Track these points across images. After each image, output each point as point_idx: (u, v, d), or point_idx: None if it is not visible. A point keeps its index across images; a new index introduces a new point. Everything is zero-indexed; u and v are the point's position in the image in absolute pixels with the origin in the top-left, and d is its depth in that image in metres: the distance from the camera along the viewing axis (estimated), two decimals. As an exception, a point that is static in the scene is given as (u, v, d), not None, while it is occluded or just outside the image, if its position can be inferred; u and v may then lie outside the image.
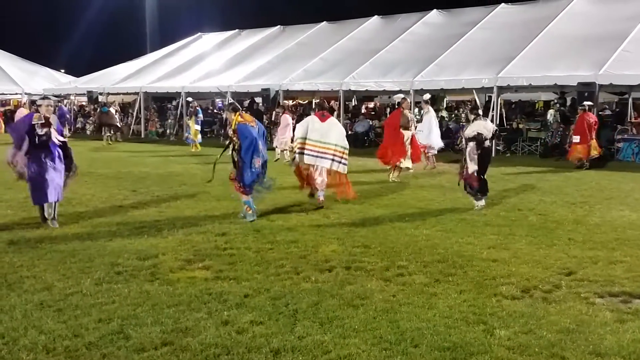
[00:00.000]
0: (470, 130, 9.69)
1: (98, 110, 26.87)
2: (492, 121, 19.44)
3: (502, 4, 24.96)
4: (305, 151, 9.88)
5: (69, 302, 5.21)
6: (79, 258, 6.60)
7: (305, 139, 9.91)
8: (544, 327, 4.73)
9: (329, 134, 9.92)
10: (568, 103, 22.07)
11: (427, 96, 16.38)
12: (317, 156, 9.84)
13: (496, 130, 9.80)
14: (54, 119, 8.38)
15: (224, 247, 7.17)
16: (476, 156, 9.53)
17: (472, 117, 10.01)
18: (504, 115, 22.74)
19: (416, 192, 11.45)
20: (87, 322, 4.77)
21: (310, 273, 6.12)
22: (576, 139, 16.06)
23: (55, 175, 8.20)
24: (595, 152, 15.94)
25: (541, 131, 20.90)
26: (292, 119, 18.01)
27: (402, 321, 4.82)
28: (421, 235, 7.81)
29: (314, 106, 29.29)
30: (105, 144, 23.90)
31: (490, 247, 7.21)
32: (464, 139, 9.88)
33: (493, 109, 19.72)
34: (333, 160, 9.84)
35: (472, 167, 9.52)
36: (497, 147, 19.54)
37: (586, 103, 16.31)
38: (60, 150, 8.37)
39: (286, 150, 16.75)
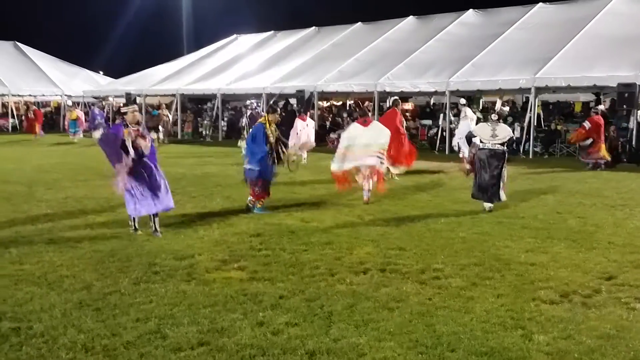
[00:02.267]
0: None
1: (147, 114, 27.40)
2: (529, 122, 19.31)
3: (540, 3, 24.53)
4: (349, 157, 10.27)
5: (108, 302, 5.30)
6: (118, 258, 6.72)
7: (348, 147, 10.33)
8: (583, 332, 4.63)
9: (373, 137, 10.31)
10: (607, 104, 21.58)
11: (463, 100, 16.23)
12: (364, 158, 10.23)
13: (512, 137, 9.94)
14: (142, 126, 8.06)
15: (259, 248, 7.21)
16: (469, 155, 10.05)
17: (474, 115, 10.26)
18: (542, 117, 22.33)
19: (452, 194, 11.33)
20: (125, 321, 4.84)
21: (345, 275, 6.10)
22: (589, 140, 16.10)
23: (153, 187, 7.81)
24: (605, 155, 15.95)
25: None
26: (306, 125, 17.77)
27: (439, 325, 4.77)
28: (457, 238, 7.73)
29: (348, 109, 29.41)
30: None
31: (529, 251, 7.09)
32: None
33: (530, 110, 19.40)
34: (380, 160, 10.30)
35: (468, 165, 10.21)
36: (535, 149, 19.23)
37: (599, 107, 16.76)
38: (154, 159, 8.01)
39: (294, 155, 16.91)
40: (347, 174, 10.41)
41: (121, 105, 35.88)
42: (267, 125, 9.58)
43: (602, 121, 16.05)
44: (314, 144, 18.28)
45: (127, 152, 7.62)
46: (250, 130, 10.09)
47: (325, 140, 24.63)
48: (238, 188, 11.54)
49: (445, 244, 7.43)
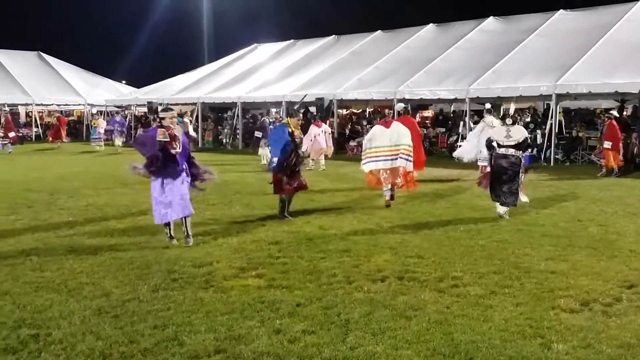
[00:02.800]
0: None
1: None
2: (550, 129, 19.11)
3: (561, 10, 24.35)
4: (374, 158, 10.69)
5: (126, 309, 5.34)
6: (137, 265, 6.77)
7: (372, 148, 10.72)
8: (603, 341, 4.57)
9: (397, 136, 10.69)
10: (629, 111, 21.32)
11: (488, 105, 16.09)
12: (392, 159, 10.62)
13: (526, 138, 9.90)
14: (178, 131, 7.82)
15: (277, 255, 7.22)
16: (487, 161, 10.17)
17: (497, 122, 10.22)
18: (563, 124, 22.10)
19: (471, 202, 11.25)
20: (142, 328, 4.88)
21: (362, 283, 6.09)
22: (607, 144, 16.00)
23: (181, 191, 7.71)
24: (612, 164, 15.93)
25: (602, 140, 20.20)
26: (322, 132, 17.76)
27: (457, 333, 4.73)
28: (476, 246, 7.67)
29: (367, 116, 29.38)
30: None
31: (549, 259, 7.01)
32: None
33: (551, 117, 19.22)
34: (407, 160, 10.62)
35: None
36: (556, 156, 19.03)
37: (612, 112, 16.76)
38: (185, 163, 7.92)
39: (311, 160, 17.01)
40: (376, 174, 10.77)
41: (158, 109, 36.33)
42: (290, 127, 9.68)
43: (615, 127, 16.02)
44: (332, 149, 18.25)
45: (161, 151, 7.46)
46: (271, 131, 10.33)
47: (344, 148, 24.65)
48: (257, 196, 11.59)
49: (464, 251, 7.37)
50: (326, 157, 18.01)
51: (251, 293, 5.77)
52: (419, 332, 4.77)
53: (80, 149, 26.98)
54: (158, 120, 7.75)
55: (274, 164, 9.48)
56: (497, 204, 9.67)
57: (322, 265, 6.76)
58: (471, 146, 15.25)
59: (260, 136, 20.37)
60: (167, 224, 7.85)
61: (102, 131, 27.21)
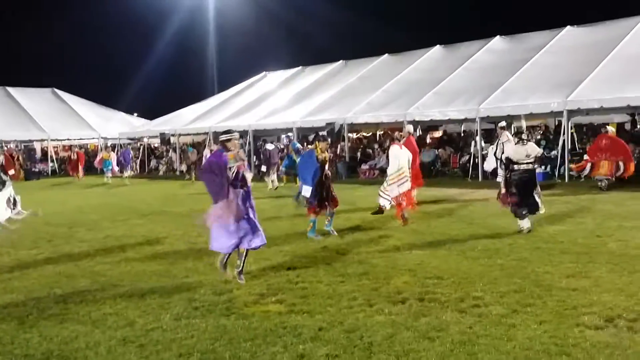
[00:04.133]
0: (502, 155, 10.41)
1: (184, 152, 28.10)
2: (563, 146, 19.08)
3: (568, 26, 24.48)
4: (403, 179, 10.90)
5: (150, 338, 5.38)
6: (158, 294, 6.81)
7: (401, 169, 10.94)
8: (630, 357, 4.54)
9: (408, 158, 11.17)
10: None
11: (502, 123, 16.22)
12: (406, 181, 10.94)
13: (540, 153, 10.49)
14: (243, 155, 7.47)
15: (296, 280, 7.23)
16: (504, 178, 10.27)
17: (513, 139, 10.36)
18: (576, 139, 22.06)
19: (487, 222, 11.22)
20: (168, 357, 4.91)
21: (383, 305, 6.09)
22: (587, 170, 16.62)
23: (251, 218, 7.26)
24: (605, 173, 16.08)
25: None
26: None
27: (481, 354, 4.72)
28: (495, 265, 7.65)
29: (378, 139, 29.47)
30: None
31: (569, 276, 6.97)
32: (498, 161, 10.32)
33: (564, 134, 19.20)
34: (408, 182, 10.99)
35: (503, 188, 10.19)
36: (570, 173, 18.96)
37: (608, 127, 17.24)
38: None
39: None
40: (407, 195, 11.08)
41: (155, 145, 36.69)
42: (318, 151, 10.14)
43: (602, 142, 16.20)
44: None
45: (232, 182, 7.09)
46: (301, 155, 10.58)
47: (356, 171, 24.71)
48: (272, 222, 11.63)
49: (484, 271, 7.36)
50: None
51: (272, 319, 5.79)
52: (443, 353, 4.76)
53: (95, 182, 27.22)
54: (220, 145, 7.38)
55: (306, 191, 9.89)
56: (522, 221, 9.83)
57: (341, 289, 6.77)
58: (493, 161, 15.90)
59: (265, 170, 20.63)
60: (227, 255, 7.32)
61: (114, 163, 27.59)
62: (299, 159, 10.57)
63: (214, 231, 7.24)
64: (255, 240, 7.27)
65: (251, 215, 7.28)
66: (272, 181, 20.45)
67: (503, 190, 10.19)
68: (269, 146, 21.24)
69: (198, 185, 23.54)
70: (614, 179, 15.77)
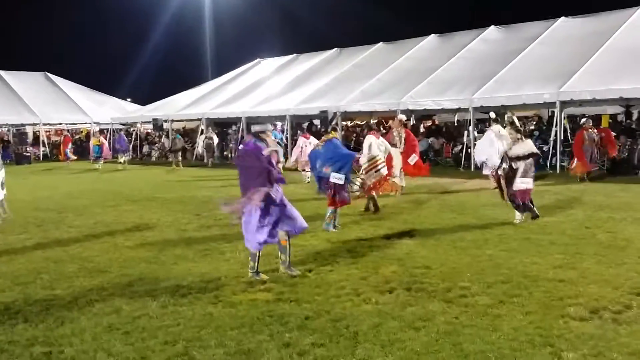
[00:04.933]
0: (522, 149, 9.99)
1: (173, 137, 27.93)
2: (555, 136, 19.11)
3: (562, 17, 24.44)
4: (379, 167, 11.05)
5: (136, 325, 5.37)
6: (146, 281, 6.81)
7: (375, 157, 11.07)
8: (614, 349, 4.55)
9: (384, 148, 11.38)
10: (635, 116, 21.30)
11: (493, 114, 16.18)
12: (382, 168, 11.10)
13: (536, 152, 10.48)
14: (277, 147, 7.21)
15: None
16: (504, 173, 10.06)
17: (518, 136, 10.14)
18: (569, 131, 22.10)
19: (477, 212, 11.25)
20: (153, 344, 4.90)
21: (370, 295, 6.10)
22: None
23: (284, 211, 6.95)
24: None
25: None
26: (309, 143, 17.65)
27: (466, 344, 4.73)
28: (484, 256, 7.67)
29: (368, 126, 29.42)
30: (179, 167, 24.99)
31: (557, 267, 7.00)
32: (509, 157, 10.04)
33: (556, 125, 19.22)
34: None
35: (523, 183, 9.89)
36: (562, 163, 19.01)
37: (584, 120, 17.19)
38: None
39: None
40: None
41: (148, 131, 36.54)
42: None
43: (581, 136, 16.26)
44: None
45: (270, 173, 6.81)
46: (331, 144, 9.95)
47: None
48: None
49: (472, 261, 7.38)
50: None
51: (260, 307, 5.79)
52: (428, 343, 4.77)
53: (87, 167, 27.11)
54: (252, 136, 7.08)
55: (339, 179, 9.56)
56: (519, 214, 9.92)
57: (330, 278, 6.77)
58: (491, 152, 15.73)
59: None
60: (257, 258, 6.96)
61: (105, 149, 27.40)
62: (323, 149, 9.95)
63: (243, 228, 6.98)
64: (303, 223, 7.03)
65: (285, 202, 6.99)
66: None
67: (523, 186, 9.88)
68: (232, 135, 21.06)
69: (186, 171, 23.49)
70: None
